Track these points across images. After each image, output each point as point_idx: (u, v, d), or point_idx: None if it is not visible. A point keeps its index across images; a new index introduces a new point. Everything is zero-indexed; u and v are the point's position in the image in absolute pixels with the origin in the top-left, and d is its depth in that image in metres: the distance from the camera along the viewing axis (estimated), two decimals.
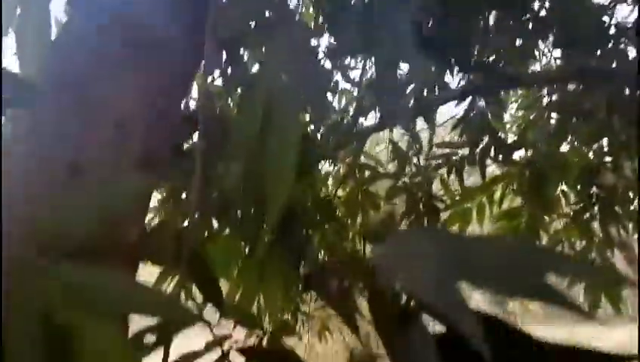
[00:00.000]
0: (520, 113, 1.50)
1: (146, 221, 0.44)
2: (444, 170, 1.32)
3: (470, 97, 1.12)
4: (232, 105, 0.72)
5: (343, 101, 1.37)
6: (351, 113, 1.26)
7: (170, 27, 0.56)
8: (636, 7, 1.17)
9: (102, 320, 0.27)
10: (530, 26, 1.26)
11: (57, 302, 0.26)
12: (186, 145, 0.61)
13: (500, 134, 1.24)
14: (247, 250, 0.64)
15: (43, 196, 0.31)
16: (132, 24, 0.51)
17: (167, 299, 0.28)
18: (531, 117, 1.40)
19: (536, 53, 1.37)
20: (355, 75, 1.61)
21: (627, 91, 1.28)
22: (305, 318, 1.46)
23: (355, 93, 1.37)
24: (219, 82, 0.92)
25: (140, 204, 0.41)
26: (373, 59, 1.15)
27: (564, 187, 1.52)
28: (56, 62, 0.48)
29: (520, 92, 1.47)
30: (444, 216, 1.31)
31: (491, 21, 1.28)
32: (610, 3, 1.14)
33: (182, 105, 0.64)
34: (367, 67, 1.11)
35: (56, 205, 0.29)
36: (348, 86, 1.42)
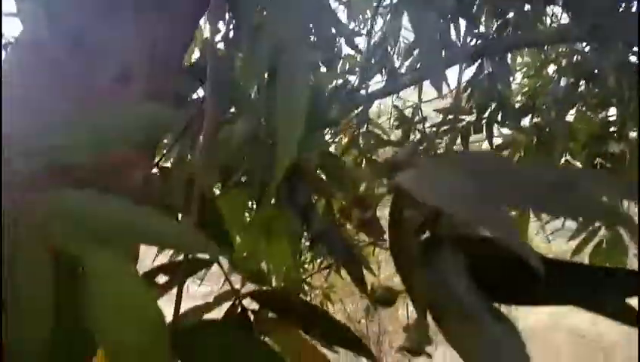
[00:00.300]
0: (526, 80, 1.47)
1: (153, 163, 0.42)
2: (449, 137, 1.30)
3: (479, 61, 1.10)
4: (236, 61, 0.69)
5: (347, 67, 1.34)
6: (355, 79, 1.24)
7: None
8: None
9: (113, 253, 0.26)
10: None
11: (67, 232, 0.24)
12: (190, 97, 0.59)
13: (507, 100, 1.22)
14: (253, 206, 0.63)
15: (43, 128, 0.29)
16: None
17: (188, 231, 0.26)
18: (538, 84, 1.37)
19: (545, 19, 1.34)
20: (358, 41, 1.58)
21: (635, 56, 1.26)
22: (307, 288, 1.46)
23: (359, 59, 1.34)
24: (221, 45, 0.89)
25: (146, 141, 0.39)
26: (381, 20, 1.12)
27: (568, 157, 1.51)
28: (53, 5, 0.46)
29: (526, 58, 1.44)
30: None
31: None
32: None
33: (184, 55, 0.62)
34: (374, 30, 1.08)
35: (58, 135, 0.27)
36: (351, 52, 1.39)
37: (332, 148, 1.41)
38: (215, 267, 0.53)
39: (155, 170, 0.42)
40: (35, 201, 0.25)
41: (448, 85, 1.06)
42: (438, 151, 1.26)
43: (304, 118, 0.42)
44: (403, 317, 4.27)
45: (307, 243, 0.93)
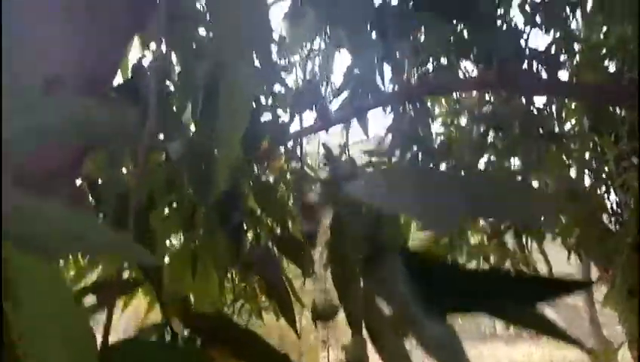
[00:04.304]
0: (442, 128, 1.58)
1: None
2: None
3: (401, 104, 1.16)
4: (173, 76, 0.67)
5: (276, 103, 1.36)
6: (284, 115, 1.25)
7: None
8: (548, 33, 1.30)
9: (44, 261, 0.23)
10: (454, 45, 1.34)
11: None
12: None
13: (427, 144, 1.29)
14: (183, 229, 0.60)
15: None
16: None
17: (127, 239, 0.24)
18: (452, 131, 1.48)
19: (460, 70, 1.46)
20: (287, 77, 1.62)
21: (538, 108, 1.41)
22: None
23: (288, 97, 1.36)
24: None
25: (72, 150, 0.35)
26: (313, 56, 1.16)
27: None
28: None
29: (443, 106, 1.55)
30: None
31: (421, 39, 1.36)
32: (525, 27, 1.25)
33: (114, 73, 0.59)
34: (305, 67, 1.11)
35: None
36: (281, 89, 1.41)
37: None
38: None
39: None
40: None
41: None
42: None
43: (244, 131, 0.42)
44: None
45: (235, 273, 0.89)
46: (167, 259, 0.59)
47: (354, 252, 0.33)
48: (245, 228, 0.66)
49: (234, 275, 0.80)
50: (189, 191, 0.56)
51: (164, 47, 0.67)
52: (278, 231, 0.68)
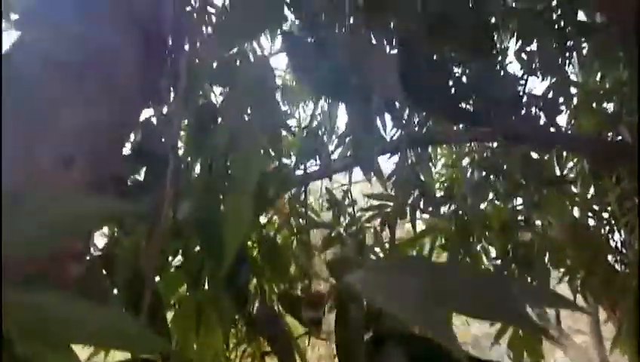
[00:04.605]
0: (444, 170, 1.60)
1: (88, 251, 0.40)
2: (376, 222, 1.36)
3: (403, 151, 1.19)
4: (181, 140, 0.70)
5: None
6: (289, 160, 1.28)
7: (123, 58, 0.55)
8: (545, 79, 1.33)
9: (62, 352, 0.24)
10: (453, 91, 1.38)
11: (19, 330, 0.23)
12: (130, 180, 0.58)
13: (429, 188, 1.31)
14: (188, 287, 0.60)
15: None
16: (85, 53, 0.50)
17: (143, 331, 0.25)
18: (454, 174, 1.50)
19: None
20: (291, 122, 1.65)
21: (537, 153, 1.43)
22: None
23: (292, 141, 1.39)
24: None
25: (81, 233, 0.37)
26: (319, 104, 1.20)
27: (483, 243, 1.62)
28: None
29: (445, 151, 1.58)
30: None
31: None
32: (523, 75, 1.29)
33: (127, 139, 0.62)
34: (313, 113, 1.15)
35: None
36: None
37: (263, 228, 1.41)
38: None
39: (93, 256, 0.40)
40: None
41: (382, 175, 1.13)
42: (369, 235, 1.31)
43: (252, 205, 0.43)
44: None
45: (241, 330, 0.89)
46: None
47: (357, 337, 0.34)
48: (249, 279, 0.67)
49: (238, 325, 0.81)
50: (197, 248, 0.57)
51: (173, 105, 0.70)
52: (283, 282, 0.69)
